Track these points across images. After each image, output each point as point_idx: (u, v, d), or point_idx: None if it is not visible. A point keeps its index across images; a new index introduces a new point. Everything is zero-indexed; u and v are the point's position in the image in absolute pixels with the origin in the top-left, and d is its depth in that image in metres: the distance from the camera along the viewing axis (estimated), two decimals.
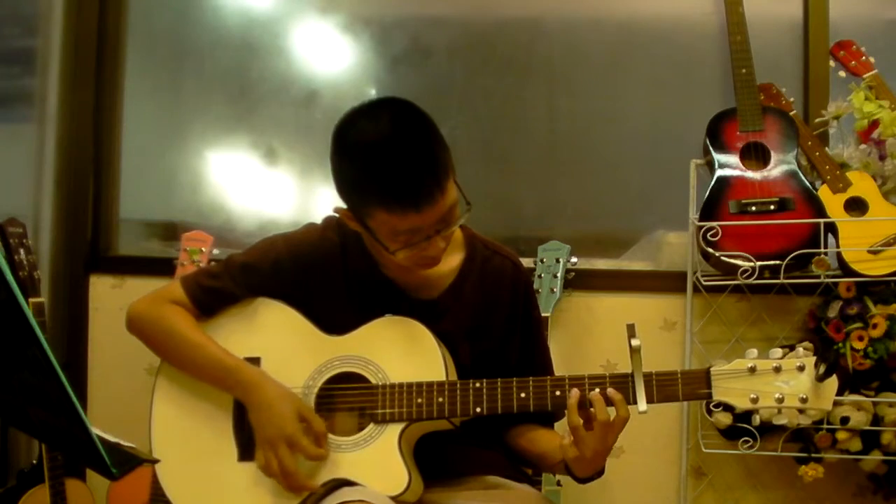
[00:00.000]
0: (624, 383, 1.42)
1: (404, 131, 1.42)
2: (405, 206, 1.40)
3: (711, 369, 1.41)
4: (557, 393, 1.45)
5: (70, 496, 2.14)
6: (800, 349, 1.42)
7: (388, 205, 1.41)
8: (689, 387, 1.42)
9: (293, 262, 1.60)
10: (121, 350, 2.54)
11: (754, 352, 1.42)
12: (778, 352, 1.42)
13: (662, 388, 1.42)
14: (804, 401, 1.37)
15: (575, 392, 1.41)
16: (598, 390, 1.41)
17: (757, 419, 1.50)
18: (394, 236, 1.45)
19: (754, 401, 1.39)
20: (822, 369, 1.36)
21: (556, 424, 1.65)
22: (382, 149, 1.41)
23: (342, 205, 1.52)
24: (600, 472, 1.46)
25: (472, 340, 1.59)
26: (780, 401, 1.38)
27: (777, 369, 1.39)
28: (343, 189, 1.48)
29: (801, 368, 1.39)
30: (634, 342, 1.40)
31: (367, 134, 1.43)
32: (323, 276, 1.60)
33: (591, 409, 1.40)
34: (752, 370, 1.40)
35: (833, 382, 1.37)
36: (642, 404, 1.40)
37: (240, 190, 2.75)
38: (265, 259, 1.61)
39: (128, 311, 1.62)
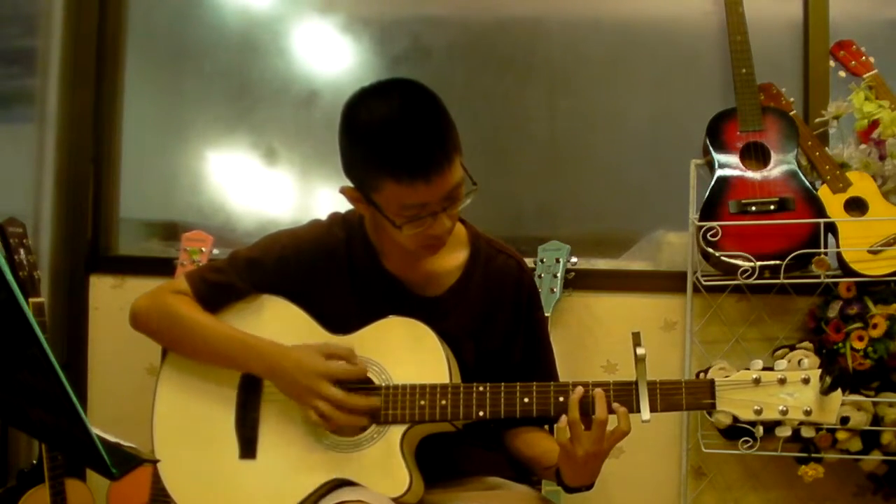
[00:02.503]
0: (628, 391, 1.41)
1: (414, 106, 1.43)
2: (415, 176, 1.40)
3: (716, 380, 1.40)
4: (561, 399, 1.44)
5: (70, 496, 2.14)
6: (803, 359, 1.41)
7: (398, 175, 1.40)
8: (693, 396, 1.41)
9: (298, 257, 1.60)
10: (121, 350, 2.55)
11: (759, 362, 1.41)
12: (783, 363, 1.41)
13: (666, 397, 1.41)
14: (808, 413, 1.36)
15: (579, 389, 1.41)
16: (601, 389, 1.40)
17: (760, 430, 1.49)
18: (401, 210, 1.45)
19: (758, 412, 1.38)
20: (826, 382, 1.35)
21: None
22: (393, 122, 1.42)
23: (347, 190, 1.52)
24: (589, 486, 1.45)
25: (475, 339, 1.59)
26: (784, 413, 1.37)
27: (782, 381, 1.38)
28: (351, 165, 1.48)
29: (806, 381, 1.38)
30: (640, 351, 1.39)
31: (377, 110, 1.44)
32: (327, 272, 1.60)
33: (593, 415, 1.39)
34: (757, 381, 1.39)
35: (837, 396, 1.37)
36: (645, 413, 1.39)
37: (240, 190, 2.75)
38: (270, 254, 1.61)
39: (131, 308, 1.61)
